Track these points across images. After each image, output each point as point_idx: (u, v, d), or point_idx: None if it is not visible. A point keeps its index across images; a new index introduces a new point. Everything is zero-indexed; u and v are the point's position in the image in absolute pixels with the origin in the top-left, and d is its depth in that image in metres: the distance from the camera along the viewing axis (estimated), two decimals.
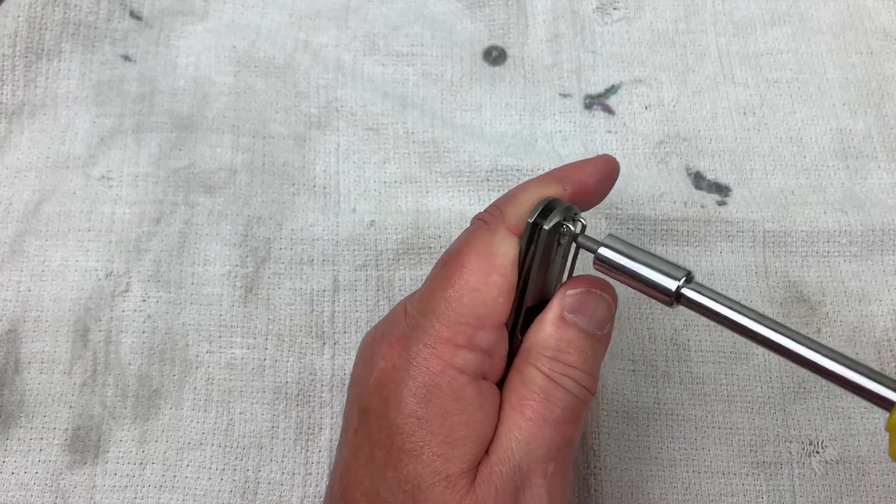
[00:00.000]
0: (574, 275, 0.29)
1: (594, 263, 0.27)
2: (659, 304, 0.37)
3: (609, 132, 0.41)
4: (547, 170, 0.39)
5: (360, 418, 0.27)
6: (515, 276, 0.27)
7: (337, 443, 0.36)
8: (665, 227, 0.38)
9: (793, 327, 0.37)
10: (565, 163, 0.39)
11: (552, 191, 0.28)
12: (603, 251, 0.27)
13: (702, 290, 0.25)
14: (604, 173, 0.29)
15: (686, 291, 0.25)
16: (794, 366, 0.26)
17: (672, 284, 0.26)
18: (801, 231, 0.38)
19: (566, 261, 0.29)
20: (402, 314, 0.28)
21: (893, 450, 0.23)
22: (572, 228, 0.27)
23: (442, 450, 0.25)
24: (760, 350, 0.35)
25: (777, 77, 0.42)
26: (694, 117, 0.41)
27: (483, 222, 0.28)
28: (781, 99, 0.42)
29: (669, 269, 0.26)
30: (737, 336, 0.36)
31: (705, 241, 0.38)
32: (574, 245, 0.28)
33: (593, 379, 0.27)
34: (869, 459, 0.35)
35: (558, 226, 0.27)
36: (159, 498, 0.34)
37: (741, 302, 0.25)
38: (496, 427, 0.26)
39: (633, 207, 0.38)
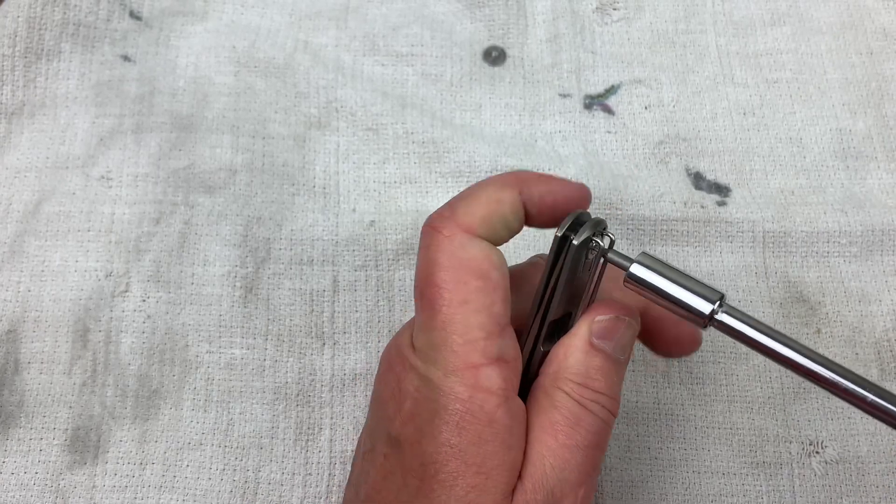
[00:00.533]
0: (599, 287, 0.28)
1: (624, 281, 0.26)
2: None
3: (609, 132, 0.41)
4: (547, 170, 0.39)
5: (391, 445, 0.26)
6: (498, 273, 0.26)
7: (337, 445, 0.36)
8: (665, 227, 0.38)
9: (793, 329, 0.37)
10: (565, 163, 0.39)
11: (508, 195, 0.27)
12: (635, 269, 0.26)
13: (736, 313, 0.25)
14: (566, 198, 0.28)
15: (721, 316, 0.25)
16: None
17: (706, 308, 0.25)
18: (801, 231, 0.38)
19: (593, 275, 0.28)
20: (410, 348, 0.27)
21: None
22: (601, 244, 0.27)
23: (476, 480, 0.25)
24: None
25: (777, 77, 0.42)
26: (694, 117, 0.41)
27: (435, 230, 0.27)
28: (781, 99, 0.42)
29: (704, 290, 0.25)
30: None
31: (705, 242, 0.38)
32: (602, 260, 0.27)
33: (616, 403, 0.27)
34: (869, 459, 0.35)
35: (587, 241, 0.26)
36: (159, 498, 0.34)
37: (773, 326, 0.25)
38: (526, 450, 0.26)
39: (633, 208, 0.38)
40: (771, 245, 0.38)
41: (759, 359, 0.37)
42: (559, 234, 0.26)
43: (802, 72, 0.42)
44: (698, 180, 0.40)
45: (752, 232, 0.38)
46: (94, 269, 0.37)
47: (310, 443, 0.36)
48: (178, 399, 0.36)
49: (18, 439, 0.35)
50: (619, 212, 0.38)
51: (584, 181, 0.39)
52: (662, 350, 0.30)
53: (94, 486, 0.34)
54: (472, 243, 0.26)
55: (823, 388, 0.24)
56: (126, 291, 0.37)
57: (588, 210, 0.28)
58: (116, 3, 0.42)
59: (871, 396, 0.23)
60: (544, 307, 0.27)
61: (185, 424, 0.35)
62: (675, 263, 0.38)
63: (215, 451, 0.35)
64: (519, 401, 0.26)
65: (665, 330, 0.29)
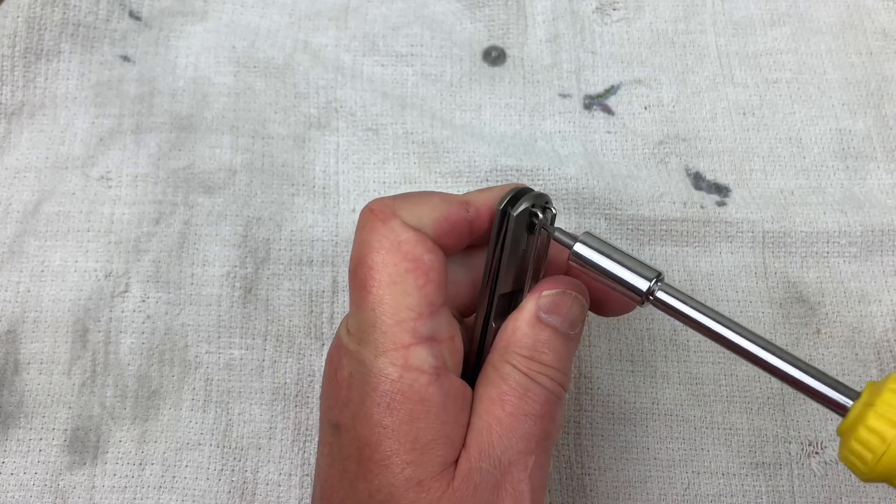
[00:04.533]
0: (546, 262, 0.29)
1: (569, 258, 0.27)
2: None
3: (608, 132, 0.41)
4: (546, 170, 0.39)
5: (332, 433, 0.27)
6: (430, 256, 0.26)
7: None
8: (664, 227, 0.38)
9: (793, 329, 0.37)
10: (564, 163, 0.39)
11: (454, 204, 0.28)
12: (578, 247, 0.27)
13: (672, 291, 0.26)
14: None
15: (658, 293, 0.26)
16: None
17: (644, 285, 0.26)
18: (801, 231, 0.38)
19: (536, 249, 0.28)
20: (346, 333, 0.27)
21: (842, 454, 0.23)
22: (542, 217, 0.27)
23: (411, 457, 0.25)
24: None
25: (776, 77, 0.42)
26: (693, 118, 0.41)
27: (372, 214, 0.27)
28: (781, 99, 0.42)
29: (642, 269, 0.26)
30: None
31: (705, 242, 0.38)
32: (545, 234, 0.28)
33: (566, 377, 0.28)
34: None
35: (526, 213, 0.27)
36: (158, 498, 0.34)
37: (709, 305, 0.26)
38: (472, 422, 0.26)
39: (633, 208, 0.38)
40: (770, 245, 0.38)
41: None
42: (499, 207, 0.27)
43: (802, 72, 0.42)
44: (698, 180, 0.40)
45: (752, 232, 0.38)
46: (93, 270, 0.37)
47: (308, 444, 0.36)
48: (177, 399, 0.36)
49: (18, 439, 0.35)
50: (619, 212, 0.38)
51: (584, 181, 0.39)
52: (604, 314, 0.31)
53: (93, 487, 0.34)
54: (406, 229, 0.26)
55: (755, 364, 0.25)
56: (126, 292, 0.37)
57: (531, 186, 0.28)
58: (116, 3, 0.42)
59: (805, 378, 0.24)
60: (491, 282, 0.28)
61: (184, 425, 0.35)
62: (674, 264, 0.38)
63: (214, 452, 0.35)
64: (455, 378, 0.27)
65: (609, 300, 0.30)
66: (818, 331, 0.37)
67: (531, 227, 0.28)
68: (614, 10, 0.44)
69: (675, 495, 0.35)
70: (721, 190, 0.40)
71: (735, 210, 0.38)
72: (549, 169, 0.39)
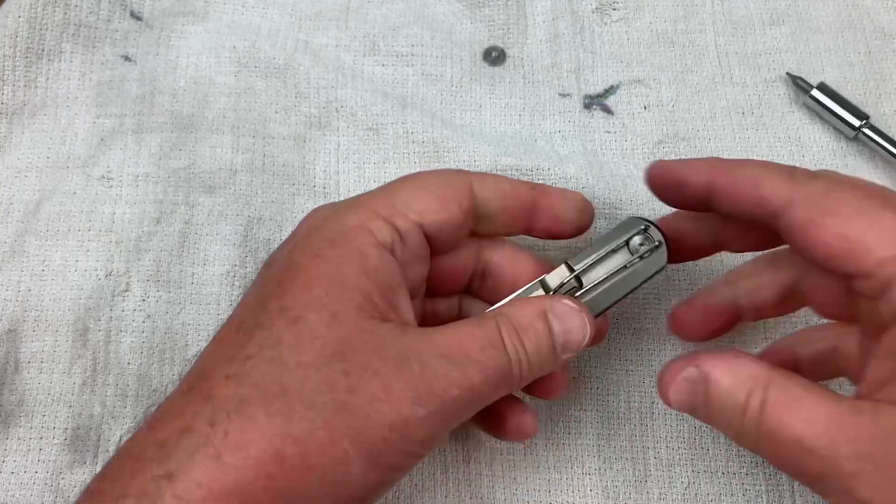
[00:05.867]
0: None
1: None
2: (657, 303, 0.37)
3: (608, 132, 0.41)
4: (546, 169, 0.39)
5: (265, 268, 0.29)
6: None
7: None
8: None
9: (795, 327, 0.37)
10: (564, 162, 0.39)
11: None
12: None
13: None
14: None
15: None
16: None
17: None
18: None
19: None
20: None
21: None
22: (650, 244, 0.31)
23: (333, 289, 0.26)
24: (760, 349, 0.35)
25: (775, 77, 0.42)
26: (692, 117, 0.41)
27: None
28: (780, 99, 0.42)
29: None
30: (738, 336, 0.36)
31: None
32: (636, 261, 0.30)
33: (524, 380, 0.28)
34: None
35: (650, 246, 0.30)
36: None
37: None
38: (432, 332, 0.27)
39: (633, 207, 0.38)
40: None
41: None
42: (640, 219, 0.31)
43: (801, 71, 0.42)
44: None
45: None
46: (94, 269, 0.37)
47: None
48: None
49: (18, 438, 0.35)
50: (619, 211, 0.38)
51: (584, 180, 0.39)
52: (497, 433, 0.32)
53: None
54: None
55: None
56: (126, 291, 0.37)
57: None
58: (117, 3, 0.42)
59: None
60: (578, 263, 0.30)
61: None
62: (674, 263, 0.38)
63: None
64: (390, 258, 0.27)
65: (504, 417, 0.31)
66: None
67: (635, 249, 0.31)
68: (614, 9, 0.44)
69: (676, 495, 0.35)
70: None
71: None
72: (548, 168, 0.39)
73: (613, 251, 0.31)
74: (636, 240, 0.31)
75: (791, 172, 0.27)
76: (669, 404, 0.27)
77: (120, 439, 0.35)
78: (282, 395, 0.24)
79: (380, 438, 0.25)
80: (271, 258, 0.30)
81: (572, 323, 0.28)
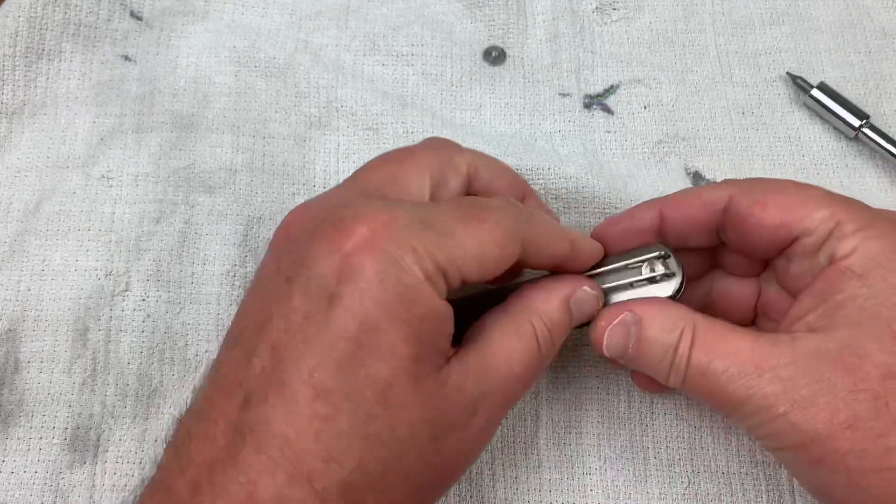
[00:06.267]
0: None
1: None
2: None
3: (608, 132, 0.41)
4: (546, 169, 0.39)
5: (322, 306, 0.25)
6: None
7: None
8: None
9: None
10: (564, 162, 0.39)
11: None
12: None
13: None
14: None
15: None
16: None
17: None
18: None
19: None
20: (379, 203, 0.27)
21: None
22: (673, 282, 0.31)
23: (413, 336, 0.25)
24: None
25: (775, 76, 0.42)
26: (692, 117, 0.41)
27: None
28: (780, 98, 0.42)
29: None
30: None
31: None
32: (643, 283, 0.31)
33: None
34: None
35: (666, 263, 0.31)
36: None
37: None
38: (483, 345, 0.27)
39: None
40: None
41: None
42: (663, 244, 0.31)
43: (801, 71, 0.42)
44: (697, 179, 0.40)
45: None
46: (94, 269, 0.37)
47: None
48: (178, 398, 0.36)
49: (18, 438, 0.35)
50: (619, 211, 0.38)
51: (584, 180, 0.39)
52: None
53: (93, 486, 0.34)
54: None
55: None
56: (126, 291, 0.37)
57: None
58: (117, 3, 0.42)
59: None
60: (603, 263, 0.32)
61: None
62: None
63: None
64: (449, 317, 0.27)
65: None
66: None
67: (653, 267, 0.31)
68: (614, 9, 0.44)
69: (676, 495, 0.35)
70: None
71: None
72: (548, 168, 0.39)
73: (627, 267, 0.31)
74: (654, 264, 0.31)
75: (722, 181, 0.32)
76: (602, 351, 0.30)
77: (120, 440, 0.35)
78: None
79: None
80: (329, 288, 0.25)
81: (588, 309, 0.30)
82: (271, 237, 0.29)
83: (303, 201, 0.39)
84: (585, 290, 0.30)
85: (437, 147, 0.32)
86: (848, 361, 0.26)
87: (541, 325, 0.29)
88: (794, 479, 0.35)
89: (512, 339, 0.28)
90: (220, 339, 0.36)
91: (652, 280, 0.31)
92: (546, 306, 0.29)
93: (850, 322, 0.26)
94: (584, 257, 0.31)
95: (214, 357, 0.30)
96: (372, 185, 0.29)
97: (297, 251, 0.26)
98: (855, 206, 0.29)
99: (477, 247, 0.27)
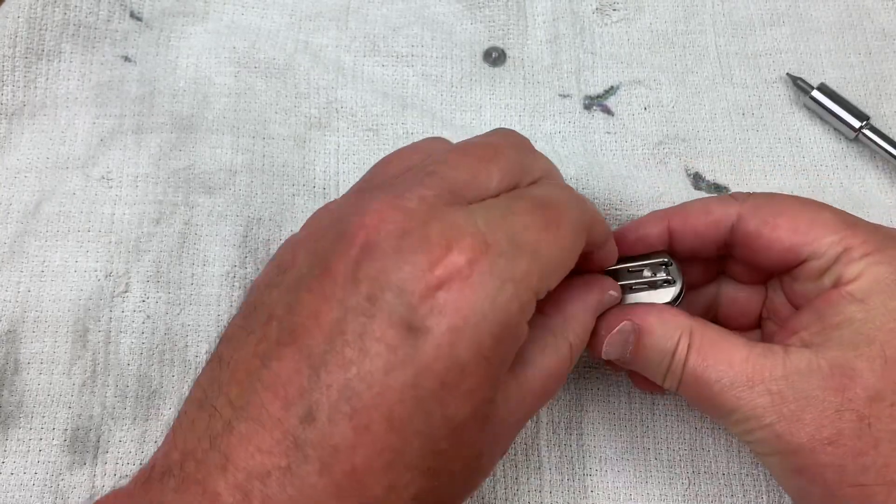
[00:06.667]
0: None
1: None
2: None
3: (608, 133, 0.41)
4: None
5: (406, 336, 0.23)
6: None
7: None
8: None
9: None
10: (565, 163, 0.39)
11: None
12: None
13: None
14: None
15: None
16: None
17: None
18: None
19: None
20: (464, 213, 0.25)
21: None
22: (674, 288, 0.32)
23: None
24: None
25: (776, 77, 0.42)
26: (693, 118, 0.41)
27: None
28: (780, 99, 0.42)
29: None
30: None
31: None
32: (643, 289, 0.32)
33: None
34: None
35: (670, 279, 0.32)
36: None
37: None
38: (526, 369, 0.28)
39: (633, 208, 0.38)
40: None
41: None
42: (667, 252, 0.32)
43: (801, 72, 0.42)
44: (697, 181, 0.40)
45: None
46: (93, 270, 0.37)
47: None
48: (178, 399, 0.36)
49: (18, 439, 0.35)
50: (619, 212, 0.38)
51: (584, 181, 0.39)
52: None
53: (93, 487, 0.34)
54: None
55: None
56: (126, 292, 0.37)
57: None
58: (117, 3, 0.42)
59: None
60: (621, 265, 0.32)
61: None
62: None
63: None
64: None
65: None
66: None
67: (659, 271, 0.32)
68: (614, 10, 0.44)
69: (676, 495, 0.35)
70: (720, 190, 0.40)
71: None
72: None
73: (629, 270, 0.32)
74: (656, 269, 0.32)
75: (730, 196, 0.32)
76: (600, 356, 0.31)
77: (120, 441, 0.35)
78: None
79: None
80: (413, 319, 0.24)
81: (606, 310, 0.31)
82: (343, 223, 0.26)
83: (303, 202, 0.39)
84: (611, 295, 0.31)
85: (519, 147, 0.29)
86: (838, 381, 0.26)
87: (576, 339, 0.29)
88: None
89: (552, 360, 0.28)
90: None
91: (653, 285, 0.31)
92: (583, 317, 0.30)
93: (844, 343, 0.27)
94: (613, 253, 0.32)
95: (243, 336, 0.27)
96: (452, 183, 0.26)
97: (383, 264, 0.24)
98: (864, 229, 0.29)
99: (559, 254, 0.26)
